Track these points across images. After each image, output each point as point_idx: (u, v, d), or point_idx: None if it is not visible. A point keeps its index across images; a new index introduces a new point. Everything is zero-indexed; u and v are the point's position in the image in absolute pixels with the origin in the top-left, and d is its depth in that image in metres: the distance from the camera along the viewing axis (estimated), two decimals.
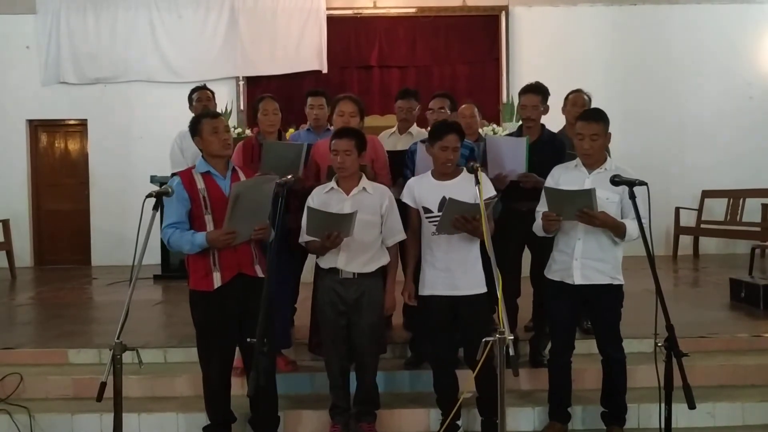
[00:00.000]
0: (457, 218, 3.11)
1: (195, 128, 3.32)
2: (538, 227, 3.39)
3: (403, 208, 3.52)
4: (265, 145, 3.88)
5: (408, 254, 3.49)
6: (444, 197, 3.26)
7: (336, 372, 3.47)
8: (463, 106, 4.49)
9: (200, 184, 3.23)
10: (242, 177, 3.33)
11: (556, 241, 3.42)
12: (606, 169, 3.29)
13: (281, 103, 4.17)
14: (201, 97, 4.68)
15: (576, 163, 3.39)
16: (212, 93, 4.82)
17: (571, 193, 3.17)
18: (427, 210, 3.36)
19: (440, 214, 3.22)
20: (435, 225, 3.26)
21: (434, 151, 3.33)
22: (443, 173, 3.35)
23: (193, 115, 4.62)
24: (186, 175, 3.29)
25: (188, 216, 3.23)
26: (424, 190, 3.39)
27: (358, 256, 3.36)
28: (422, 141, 4.05)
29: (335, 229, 3.18)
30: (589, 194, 3.10)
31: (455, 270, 3.29)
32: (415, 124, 4.62)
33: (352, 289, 3.37)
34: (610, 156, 3.45)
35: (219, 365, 3.30)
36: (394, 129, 4.64)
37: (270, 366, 3.32)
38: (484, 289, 3.32)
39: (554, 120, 4.39)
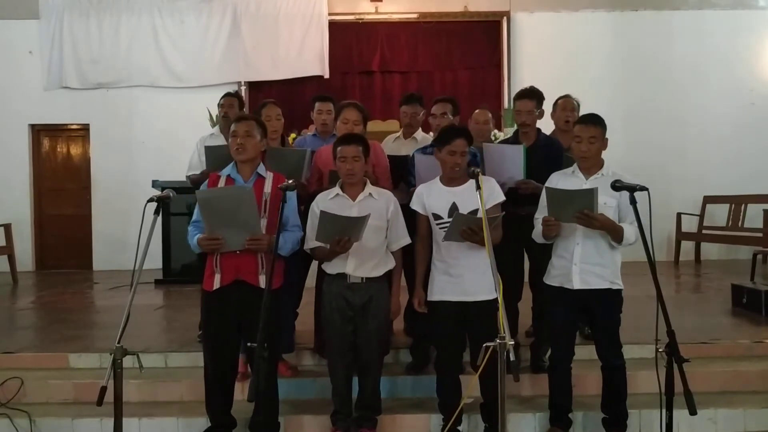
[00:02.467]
0: (464, 230, 3.11)
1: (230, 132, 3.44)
2: (537, 234, 3.39)
3: (409, 214, 3.52)
4: (268, 150, 3.89)
5: (417, 261, 3.48)
6: (454, 204, 3.27)
7: (340, 378, 3.47)
8: (477, 111, 4.47)
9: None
10: (268, 183, 3.34)
11: (554, 247, 3.42)
12: (603, 174, 3.29)
13: (283, 108, 4.19)
14: (224, 104, 4.73)
15: (573, 170, 3.40)
16: (239, 99, 4.87)
17: (572, 192, 3.18)
18: (437, 216, 3.35)
19: (450, 219, 3.22)
20: (445, 230, 3.25)
21: (442, 156, 3.32)
22: (452, 179, 3.33)
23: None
24: (213, 177, 3.41)
25: None
26: (434, 196, 3.38)
27: (366, 262, 3.36)
28: (418, 150, 4.06)
29: (346, 233, 3.19)
30: (591, 194, 3.10)
31: (466, 276, 3.27)
32: (420, 129, 4.63)
33: (359, 294, 3.37)
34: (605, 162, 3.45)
35: (213, 365, 3.37)
36: (398, 134, 4.64)
37: (271, 371, 3.33)
38: (494, 295, 3.30)
39: (548, 126, 4.40)
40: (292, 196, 3.26)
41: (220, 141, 4.25)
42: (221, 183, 3.34)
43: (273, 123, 4.05)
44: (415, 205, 3.44)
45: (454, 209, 3.26)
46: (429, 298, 3.40)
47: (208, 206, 3.15)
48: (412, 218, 3.57)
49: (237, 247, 3.20)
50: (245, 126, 3.33)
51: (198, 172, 4.45)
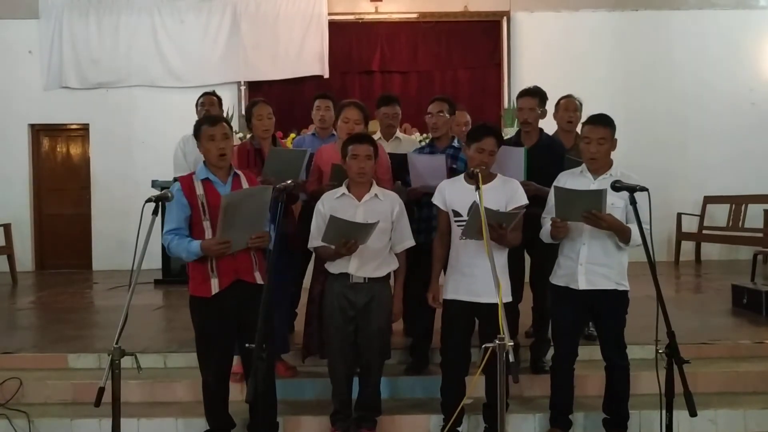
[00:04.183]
0: None
1: (196, 133, 3.33)
2: (545, 234, 3.38)
3: (410, 211, 3.51)
4: (270, 150, 3.88)
5: (435, 256, 3.48)
6: (475, 202, 3.25)
7: (340, 378, 3.46)
8: (457, 112, 4.46)
9: (199, 190, 3.22)
10: (244, 182, 3.32)
11: (561, 247, 3.41)
12: (611, 174, 3.27)
13: (283, 108, 4.19)
14: (204, 102, 4.72)
15: (581, 170, 3.39)
16: (219, 99, 4.84)
17: (581, 193, 3.16)
18: (456, 213, 3.34)
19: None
20: (463, 229, 3.24)
21: (470, 153, 3.31)
22: None
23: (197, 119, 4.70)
24: (186, 181, 3.27)
25: (188, 222, 3.23)
26: (456, 193, 3.37)
27: (369, 262, 3.36)
28: (419, 150, 4.05)
29: (353, 237, 3.18)
30: (599, 195, 3.09)
31: (481, 276, 3.23)
32: (398, 130, 4.60)
33: (362, 294, 3.36)
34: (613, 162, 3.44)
35: (216, 371, 3.31)
36: (378, 136, 4.54)
37: (269, 371, 3.31)
38: (509, 298, 3.29)
39: (551, 126, 4.38)
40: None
41: None
42: (198, 186, 3.21)
43: (264, 122, 4.00)
44: (436, 200, 3.44)
45: (473, 208, 3.24)
46: (443, 296, 3.40)
47: (231, 211, 3.05)
48: (411, 218, 3.58)
49: (240, 247, 3.17)
50: (222, 129, 3.26)
51: (185, 172, 4.41)
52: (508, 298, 3.29)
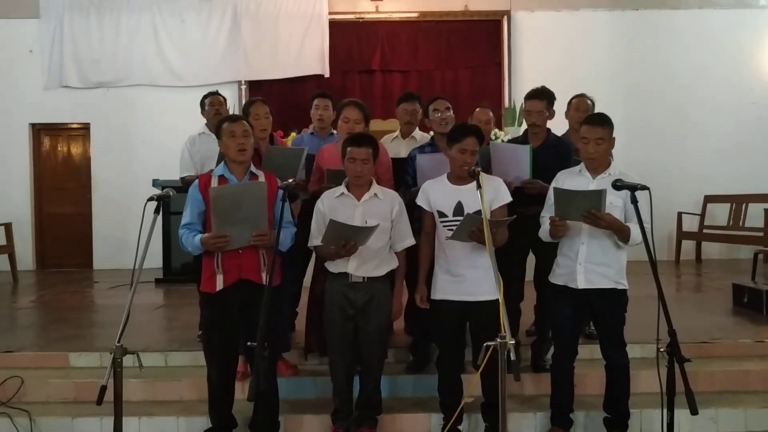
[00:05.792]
0: (473, 231, 3.09)
1: (218, 132, 3.38)
2: (544, 233, 3.38)
3: (410, 211, 3.51)
4: (266, 149, 3.88)
5: (421, 257, 3.47)
6: (459, 203, 3.26)
7: (341, 377, 3.46)
8: (478, 110, 4.43)
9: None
10: (261, 180, 3.32)
11: (560, 246, 3.42)
12: (610, 173, 3.28)
13: (283, 107, 4.18)
14: (213, 102, 4.72)
15: (580, 169, 3.39)
16: (224, 98, 4.86)
17: (581, 193, 3.17)
18: (441, 214, 3.34)
19: (455, 218, 3.21)
20: (449, 229, 3.23)
21: (452, 154, 3.30)
22: (460, 177, 3.31)
23: (204, 120, 4.73)
24: (204, 178, 3.36)
25: (201, 218, 3.29)
26: (440, 194, 3.37)
27: (368, 261, 3.35)
28: (418, 148, 4.05)
29: (353, 239, 3.19)
30: (599, 195, 3.10)
31: (468, 275, 3.26)
32: (417, 128, 4.62)
33: (361, 293, 3.36)
34: (613, 161, 3.45)
35: (218, 366, 3.34)
36: (396, 133, 4.63)
37: (271, 370, 3.32)
38: (496, 296, 3.29)
39: (558, 125, 4.38)
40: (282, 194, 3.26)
41: (212, 139, 4.08)
42: (213, 183, 3.26)
43: (262, 121, 3.99)
44: (420, 201, 3.44)
45: (459, 208, 3.25)
46: (432, 296, 3.39)
47: (220, 204, 3.10)
48: (412, 218, 3.58)
49: (242, 244, 3.18)
50: (242, 126, 3.31)
51: (192, 172, 4.43)
52: (496, 296, 3.27)
